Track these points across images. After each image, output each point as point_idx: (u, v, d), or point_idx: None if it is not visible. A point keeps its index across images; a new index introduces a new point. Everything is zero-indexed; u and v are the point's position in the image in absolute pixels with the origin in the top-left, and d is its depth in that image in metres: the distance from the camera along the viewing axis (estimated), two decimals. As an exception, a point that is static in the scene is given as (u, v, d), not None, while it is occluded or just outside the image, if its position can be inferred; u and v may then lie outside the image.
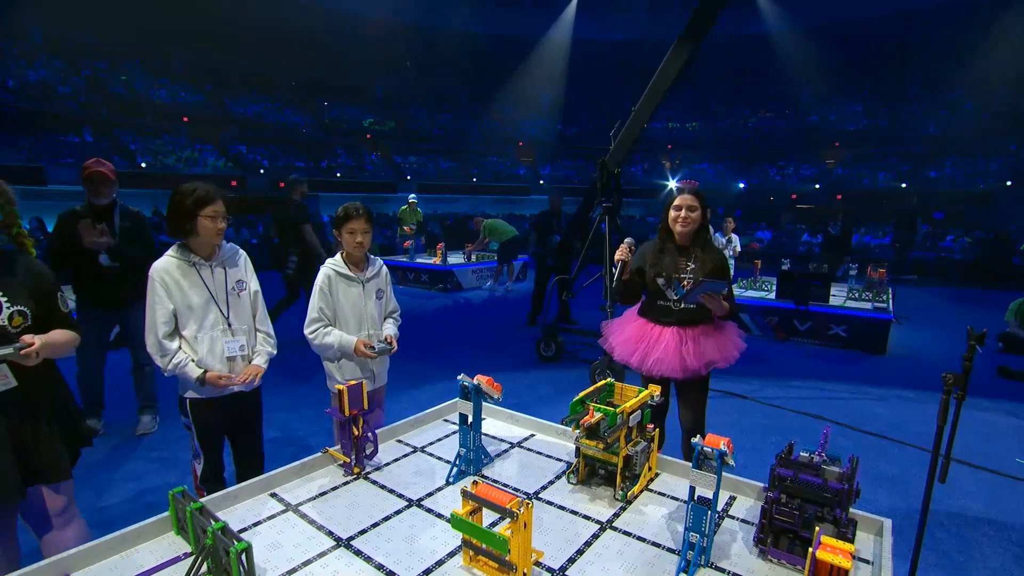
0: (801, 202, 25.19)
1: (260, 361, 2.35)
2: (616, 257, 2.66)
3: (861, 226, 17.56)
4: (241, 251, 2.41)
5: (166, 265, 2.18)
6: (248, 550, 1.28)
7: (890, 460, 3.68)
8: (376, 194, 24.93)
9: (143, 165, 20.40)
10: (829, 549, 0.96)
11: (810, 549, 0.96)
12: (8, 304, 1.78)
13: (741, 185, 26.67)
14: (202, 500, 1.50)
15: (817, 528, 1.04)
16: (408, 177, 27.87)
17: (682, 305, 2.62)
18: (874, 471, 3.52)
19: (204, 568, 1.35)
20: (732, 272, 7.92)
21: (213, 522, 1.35)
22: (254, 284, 2.40)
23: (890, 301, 6.74)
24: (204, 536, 1.36)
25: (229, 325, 2.27)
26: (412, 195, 11.87)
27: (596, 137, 6.03)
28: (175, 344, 2.18)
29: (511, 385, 5.01)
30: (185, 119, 24.47)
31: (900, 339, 6.87)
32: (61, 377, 2.04)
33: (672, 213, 2.63)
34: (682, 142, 30.74)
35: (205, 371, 2.19)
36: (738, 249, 7.67)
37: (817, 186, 25.33)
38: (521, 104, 31.50)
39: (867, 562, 1.41)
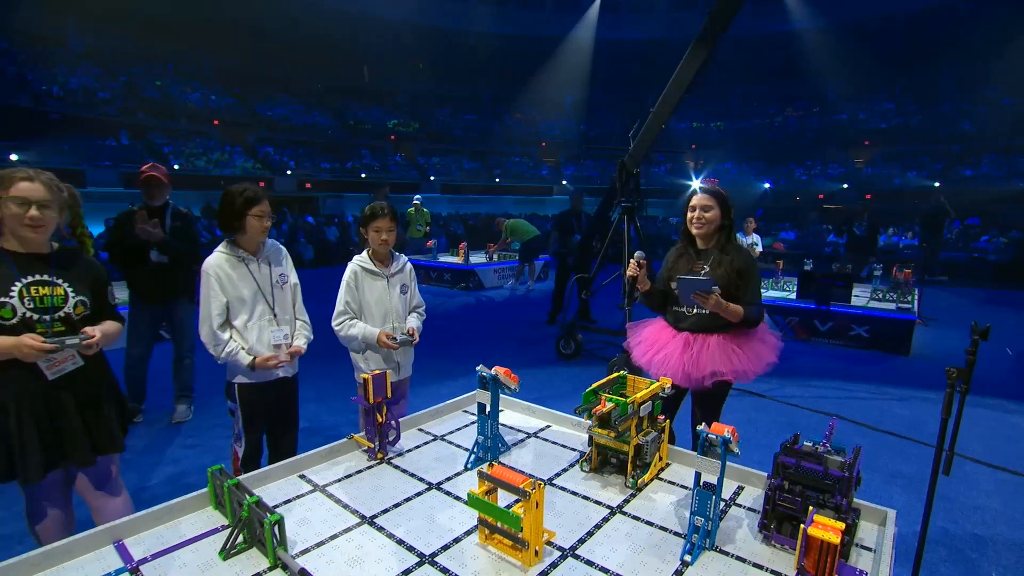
0: (829, 202, 24.71)
1: (300, 343, 2.55)
2: (628, 274, 2.58)
3: (890, 226, 17.17)
4: (283, 248, 2.60)
5: (218, 260, 2.36)
6: (280, 522, 1.39)
7: (908, 459, 3.65)
8: (400, 195, 25.23)
9: (176, 167, 20.99)
10: (820, 526, 1.02)
11: (801, 525, 1.02)
12: (73, 294, 1.98)
13: (766, 185, 26.28)
14: (237, 478, 1.61)
15: (811, 508, 1.10)
16: (432, 178, 28.14)
17: (694, 310, 2.52)
18: (891, 469, 3.51)
19: (240, 539, 1.46)
20: None
21: (248, 496, 1.46)
22: (294, 277, 2.59)
23: (915, 302, 6.63)
24: (240, 509, 1.47)
25: (275, 315, 2.46)
26: (417, 197, 12.02)
27: (619, 137, 6.08)
28: (227, 334, 2.36)
29: (530, 381, 5.09)
30: (216, 122, 25.13)
31: (925, 340, 6.76)
32: (107, 361, 2.21)
33: (688, 214, 2.57)
34: (706, 141, 30.43)
35: (255, 357, 2.37)
36: (759, 250, 7.61)
37: (845, 185, 24.83)
38: (544, 105, 31.57)
39: (869, 550, 1.46)
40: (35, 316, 1.88)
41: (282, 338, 2.47)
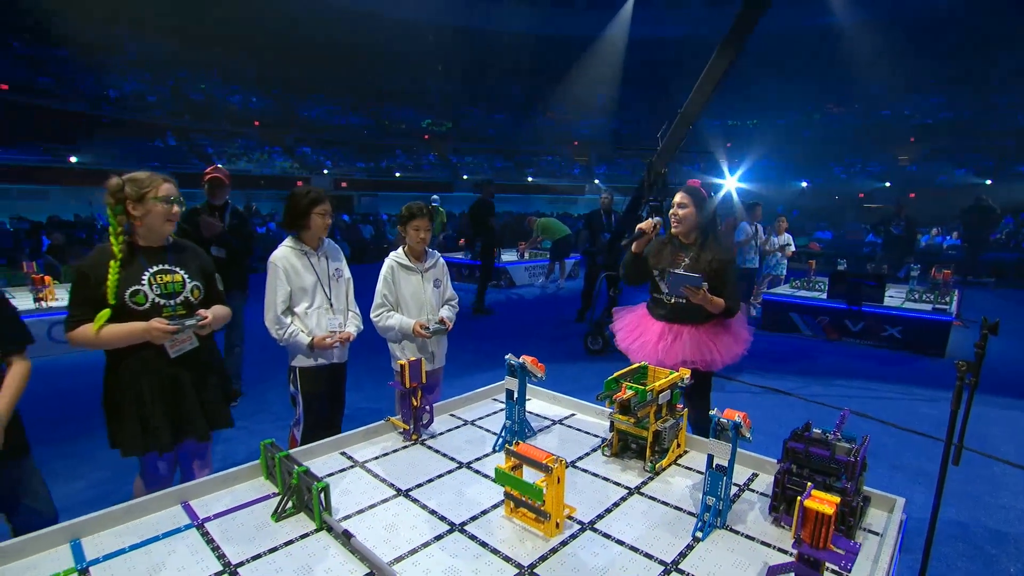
0: (869, 200, 23.97)
1: (351, 330, 2.78)
2: (639, 226, 2.76)
3: (934, 226, 16.59)
4: (338, 246, 2.84)
5: (285, 253, 2.60)
6: (326, 488, 1.55)
7: (932, 458, 3.61)
8: (433, 193, 25.59)
9: (219, 167, 21.79)
10: (816, 499, 1.11)
11: (798, 498, 1.11)
12: (189, 280, 2.22)
13: (803, 183, 25.66)
14: (287, 451, 1.78)
15: (809, 484, 1.18)
16: (464, 176, 28.45)
17: (672, 300, 2.69)
18: (915, 467, 3.50)
19: (290, 504, 1.62)
20: (785, 272, 7.80)
21: (297, 466, 1.63)
22: (347, 273, 2.84)
23: (954, 303, 6.47)
24: (290, 478, 1.63)
25: (331, 304, 2.70)
26: (435, 196, 12.26)
27: (650, 135, 6.13)
28: (289, 319, 2.60)
29: (558, 376, 5.20)
30: (256, 123, 25.98)
31: (963, 342, 6.58)
32: (216, 343, 2.45)
33: (670, 211, 2.75)
34: (741, 139, 29.88)
35: (313, 338, 2.59)
36: (791, 249, 7.54)
37: (887, 184, 24.05)
38: (576, 103, 31.53)
39: (877, 534, 1.53)
40: (161, 301, 2.12)
41: (336, 325, 2.72)
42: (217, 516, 1.61)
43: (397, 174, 27.16)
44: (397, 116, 30.56)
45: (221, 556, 1.42)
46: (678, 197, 2.71)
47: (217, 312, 2.28)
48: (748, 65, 24.25)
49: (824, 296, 6.73)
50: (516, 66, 30.28)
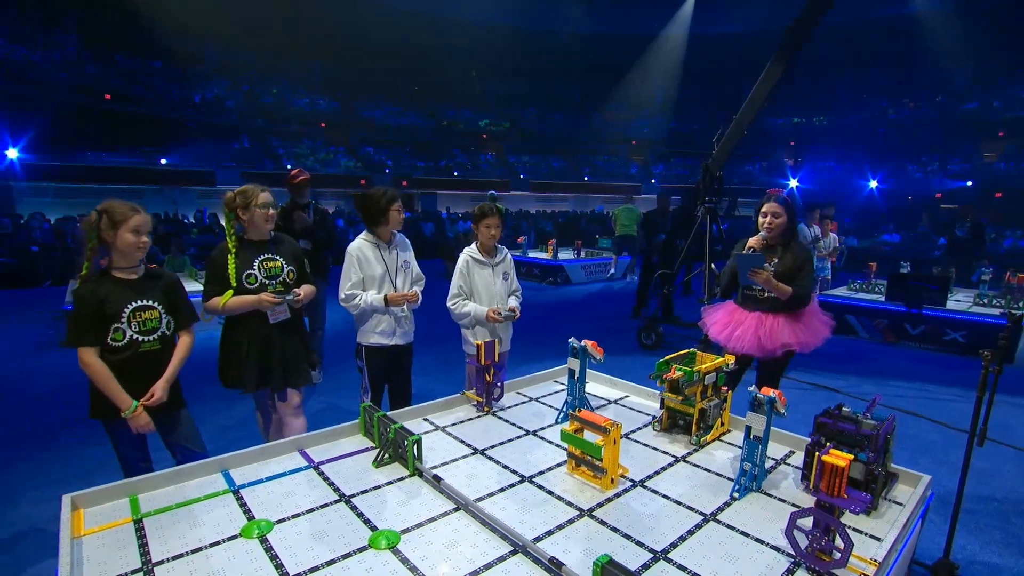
0: (948, 201, 22.56)
1: (417, 289, 3.13)
2: (750, 243, 3.05)
3: (1019, 228, 15.57)
4: (407, 240, 3.18)
5: (360, 245, 2.98)
6: (419, 441, 1.88)
7: (983, 456, 3.59)
8: (490, 192, 26.04)
9: (288, 167, 23.07)
10: (833, 455, 1.32)
11: (816, 454, 1.33)
12: (286, 265, 2.77)
13: (873, 183, 24.48)
14: (384, 412, 2.12)
15: (827, 443, 1.38)
16: (521, 176, 28.81)
17: (766, 294, 2.96)
18: (960, 463, 3.50)
19: (386, 456, 1.96)
20: (830, 275, 7.71)
21: (393, 423, 1.97)
22: (414, 264, 3.18)
23: (1028, 308, 6.22)
24: (387, 433, 1.98)
25: (396, 292, 3.02)
26: (492, 192, 12.49)
27: (711, 134, 6.17)
28: (358, 291, 2.95)
29: (611, 365, 5.37)
30: (322, 124, 27.25)
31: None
32: (303, 318, 3.01)
33: (760, 219, 3.01)
34: (807, 138, 28.81)
35: (386, 295, 2.95)
36: (832, 248, 7.45)
37: (969, 183, 22.53)
38: (634, 103, 31.28)
39: (900, 504, 1.72)
40: (267, 282, 2.70)
41: (400, 312, 3.04)
42: (329, 461, 1.97)
43: (455, 173, 27.84)
44: (456, 116, 31.27)
45: (336, 489, 1.77)
46: (773, 207, 2.96)
47: (307, 290, 2.84)
48: (817, 60, 23.41)
49: (882, 299, 6.61)
50: (574, 65, 30.35)
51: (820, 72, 25.38)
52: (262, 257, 2.70)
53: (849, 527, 1.53)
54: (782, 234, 2.98)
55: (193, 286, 5.74)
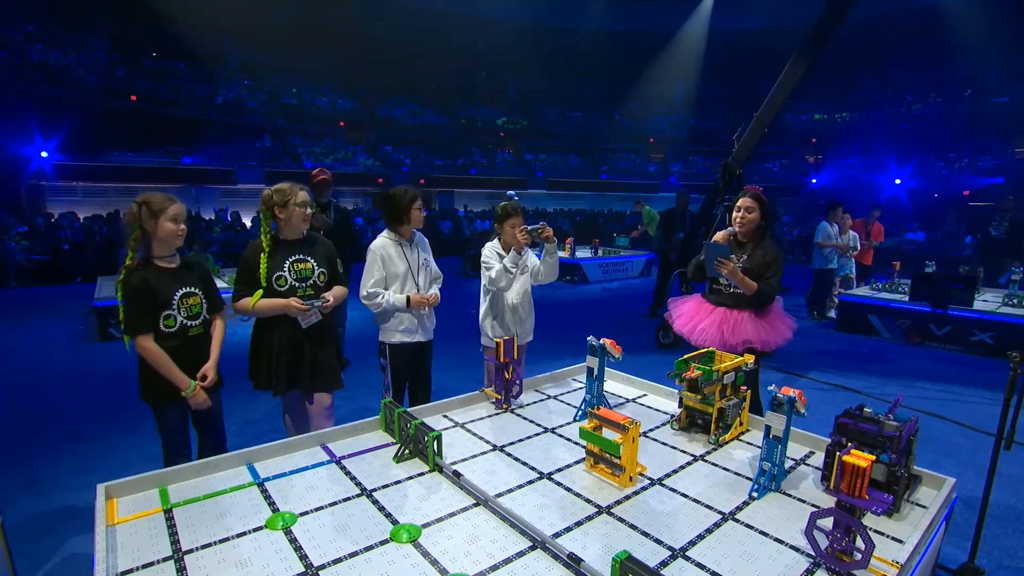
0: (976, 199, 21.95)
1: (435, 290, 3.16)
2: (718, 236, 3.06)
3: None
4: (426, 239, 3.22)
5: (383, 243, 3.03)
6: (439, 437, 1.91)
7: (1011, 461, 3.52)
8: (507, 191, 26.05)
9: (308, 166, 23.32)
10: (854, 456, 1.31)
11: (837, 454, 1.32)
12: (317, 266, 2.74)
13: (897, 181, 23.95)
14: (404, 408, 2.15)
15: (849, 444, 1.37)
16: (539, 174, 28.77)
17: (732, 289, 2.98)
18: (986, 467, 3.43)
19: (407, 451, 1.99)
20: (853, 272, 7.58)
21: (413, 419, 1.99)
22: (433, 262, 3.21)
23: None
24: (408, 428, 2.00)
25: (418, 289, 3.08)
26: (512, 192, 12.46)
27: (732, 132, 6.07)
28: (380, 289, 2.99)
29: (629, 364, 5.37)
30: (341, 123, 27.49)
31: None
32: (334, 321, 2.98)
33: (734, 214, 3.02)
34: (829, 135, 28.27)
35: (408, 297, 3.00)
36: (853, 248, 7.35)
37: (1002, 179, 21.86)
38: (653, 100, 31.01)
39: (923, 507, 1.70)
40: (296, 284, 2.67)
41: (423, 311, 3.09)
42: (350, 456, 2.01)
43: (473, 171, 27.89)
44: (473, 114, 31.32)
45: (358, 484, 1.81)
46: (746, 202, 2.98)
47: (336, 293, 2.80)
48: (841, 54, 22.93)
49: (906, 298, 6.48)
50: (592, 63, 30.19)
51: (843, 67, 24.88)
52: (293, 258, 2.67)
53: (870, 528, 1.52)
54: (754, 231, 2.98)
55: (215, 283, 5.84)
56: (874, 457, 1.31)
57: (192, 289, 2.43)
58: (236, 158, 21.80)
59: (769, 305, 2.97)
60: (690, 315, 3.10)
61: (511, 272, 3.09)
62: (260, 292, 2.61)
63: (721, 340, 2.88)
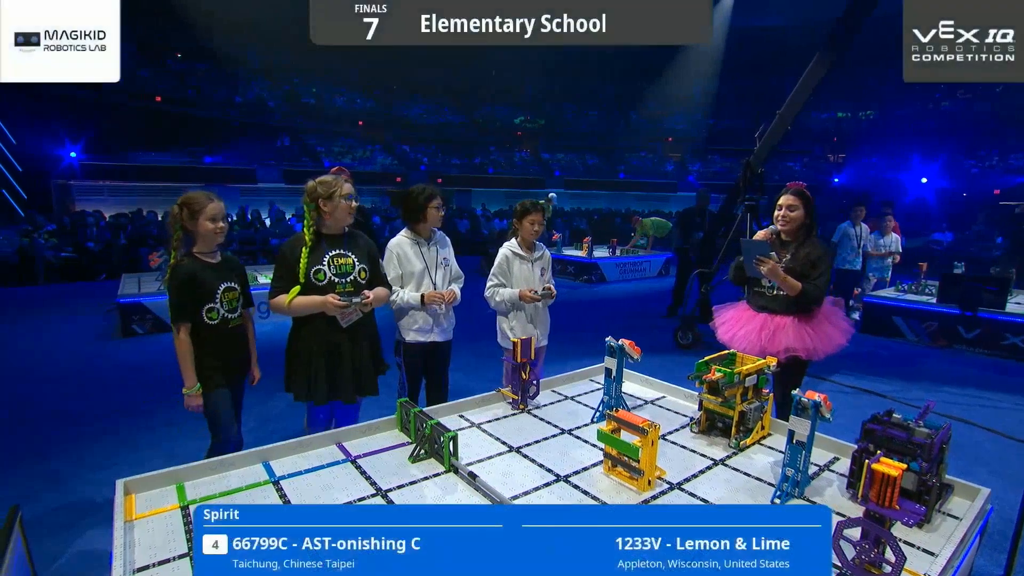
0: (1007, 198, 21.33)
1: (455, 288, 3.10)
2: (759, 235, 2.90)
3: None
4: (447, 238, 3.20)
5: (399, 241, 3.03)
6: (455, 438, 1.88)
7: None
8: (524, 190, 26.05)
9: (326, 165, 23.52)
10: (884, 464, 1.26)
11: (866, 461, 1.27)
12: (358, 262, 2.59)
13: (924, 180, 23.38)
14: (420, 408, 2.14)
15: (878, 451, 1.32)
16: (556, 173, 28.68)
17: (775, 292, 2.79)
18: (1021, 476, 3.33)
19: (422, 451, 1.98)
20: (890, 275, 7.41)
21: (429, 419, 1.98)
22: (453, 261, 3.19)
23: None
24: (423, 429, 1.99)
25: (435, 288, 3.06)
26: (552, 193, 12.48)
27: (752, 131, 5.96)
28: (395, 287, 2.95)
29: (647, 364, 5.30)
30: (360, 123, 27.68)
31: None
32: (375, 322, 2.81)
33: (776, 212, 2.84)
34: (852, 133, 27.71)
35: (423, 295, 2.96)
36: (893, 251, 7.16)
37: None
38: (670, 99, 30.66)
39: (956, 518, 1.63)
40: (336, 279, 2.52)
41: (439, 310, 3.07)
42: (366, 455, 2.00)
43: (490, 170, 27.90)
44: (491, 113, 31.30)
45: (373, 483, 1.80)
46: (789, 199, 2.80)
47: (378, 293, 2.62)
48: (864, 49, 22.49)
49: (934, 300, 6.31)
50: (610, 61, 29.97)
51: (867, 62, 24.34)
52: (334, 253, 2.54)
53: (900, 540, 1.47)
54: (798, 229, 2.80)
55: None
56: (905, 465, 1.26)
57: (232, 284, 2.56)
58: (256, 157, 22.08)
59: (816, 308, 2.76)
60: (732, 323, 2.94)
61: (509, 308, 3.15)
62: (297, 288, 2.47)
63: (760, 348, 2.69)
